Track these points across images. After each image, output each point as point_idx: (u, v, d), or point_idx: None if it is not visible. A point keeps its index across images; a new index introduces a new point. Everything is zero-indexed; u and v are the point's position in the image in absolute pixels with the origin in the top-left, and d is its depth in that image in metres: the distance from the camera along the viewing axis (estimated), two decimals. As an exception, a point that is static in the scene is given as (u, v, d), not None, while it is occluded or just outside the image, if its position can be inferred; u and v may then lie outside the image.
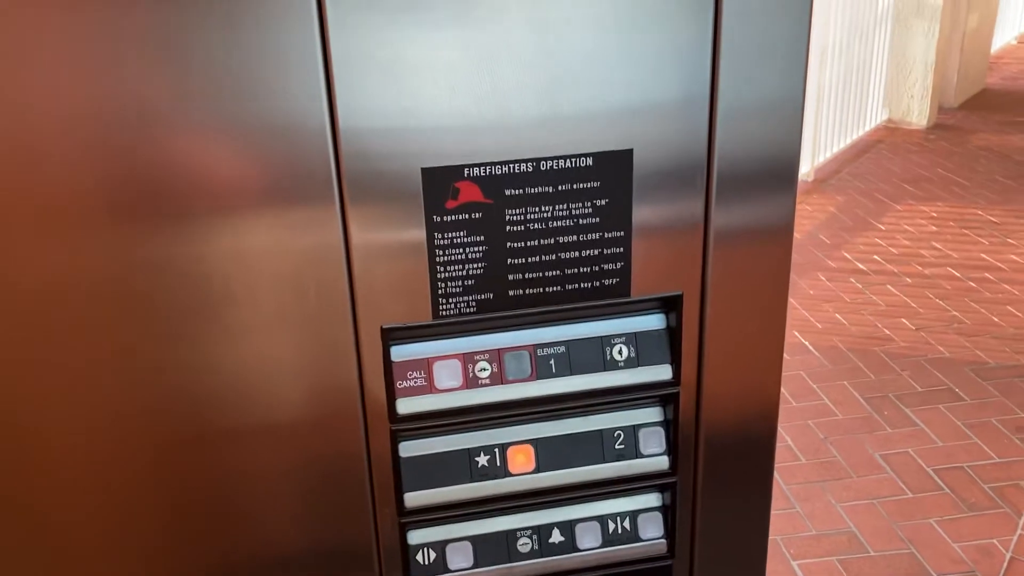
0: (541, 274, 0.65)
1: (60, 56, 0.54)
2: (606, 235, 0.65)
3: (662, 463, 0.72)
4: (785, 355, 2.69)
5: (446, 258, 0.63)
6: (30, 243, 0.58)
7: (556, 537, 0.73)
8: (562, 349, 0.69)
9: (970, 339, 2.86)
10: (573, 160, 0.62)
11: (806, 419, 2.46)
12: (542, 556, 0.72)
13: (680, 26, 0.60)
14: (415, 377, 0.67)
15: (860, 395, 2.57)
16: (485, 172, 0.61)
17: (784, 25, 0.62)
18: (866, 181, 4.28)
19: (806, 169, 4.26)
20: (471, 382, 0.68)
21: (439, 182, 0.61)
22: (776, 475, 2.22)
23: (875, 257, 3.47)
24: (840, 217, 3.86)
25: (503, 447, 0.70)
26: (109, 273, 0.60)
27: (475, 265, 0.64)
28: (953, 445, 2.34)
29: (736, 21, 0.61)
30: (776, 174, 0.66)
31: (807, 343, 2.85)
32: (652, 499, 0.75)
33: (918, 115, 5.07)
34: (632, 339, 0.70)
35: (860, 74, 4.77)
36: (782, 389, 2.58)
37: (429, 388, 0.67)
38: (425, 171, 0.60)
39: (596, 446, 0.71)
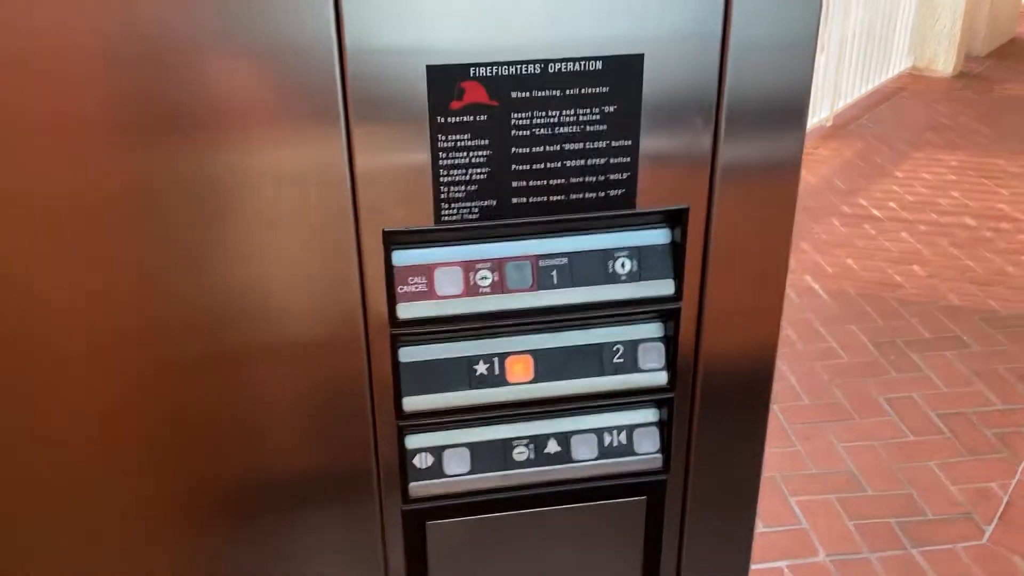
0: (545, 182, 0.65)
1: None
2: (613, 143, 0.64)
3: (660, 378, 0.73)
4: (794, 298, 2.69)
5: (449, 161, 0.63)
6: (41, 154, 0.58)
7: (552, 447, 0.73)
8: (564, 260, 0.68)
9: (982, 288, 2.85)
10: (582, 63, 0.61)
11: (812, 361, 2.46)
12: (538, 465, 0.73)
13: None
14: (416, 283, 0.67)
15: (867, 339, 2.57)
16: (491, 72, 0.60)
17: None
18: (886, 128, 4.22)
19: (825, 114, 4.20)
20: (472, 290, 0.68)
21: (444, 81, 0.60)
22: (779, 414, 2.23)
23: (890, 204, 3.43)
24: (857, 163, 3.82)
25: (502, 356, 0.70)
26: (116, 185, 0.59)
27: (478, 170, 0.63)
28: (958, 391, 2.34)
29: None
30: (788, 97, 0.65)
31: (817, 287, 2.84)
32: (649, 414, 0.75)
33: (944, 63, 4.97)
34: (635, 253, 0.69)
35: (886, 19, 4.67)
36: (789, 331, 2.58)
37: (430, 294, 0.67)
38: (430, 68, 0.59)
39: (595, 359, 0.71)
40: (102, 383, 0.65)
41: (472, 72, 0.60)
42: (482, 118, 0.62)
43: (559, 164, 0.64)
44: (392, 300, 0.67)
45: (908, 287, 2.85)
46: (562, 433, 0.73)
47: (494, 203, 0.65)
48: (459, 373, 0.70)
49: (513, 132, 0.62)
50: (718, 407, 0.75)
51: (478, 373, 0.70)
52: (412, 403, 0.69)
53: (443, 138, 0.62)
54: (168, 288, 0.63)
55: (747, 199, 0.68)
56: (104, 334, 0.64)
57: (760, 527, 1.88)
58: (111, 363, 0.65)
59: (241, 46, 0.57)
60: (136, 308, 0.63)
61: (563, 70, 0.61)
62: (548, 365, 0.71)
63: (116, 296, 0.63)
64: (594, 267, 0.69)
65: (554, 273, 0.68)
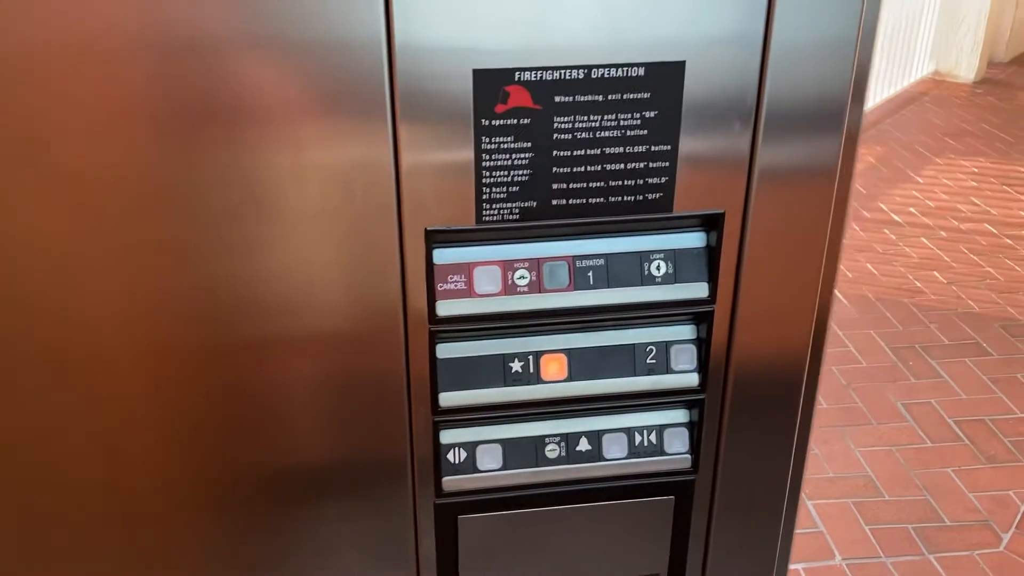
0: (585, 185, 0.66)
1: None
2: (652, 148, 0.65)
3: (692, 380, 0.74)
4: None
5: (492, 163, 0.64)
6: (92, 139, 0.59)
7: (583, 445, 0.74)
8: (601, 262, 0.70)
9: (1002, 295, 2.84)
10: (624, 69, 0.62)
11: (830, 365, 2.46)
12: (569, 463, 0.74)
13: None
14: (455, 280, 0.68)
15: (886, 345, 2.57)
16: (536, 77, 0.61)
17: None
18: (907, 133, 4.21)
19: (847, 117, 4.18)
20: (509, 289, 0.69)
21: (490, 85, 0.61)
22: (796, 418, 2.23)
23: (911, 209, 3.43)
24: (878, 168, 3.81)
25: (537, 354, 0.72)
26: (163, 176, 0.61)
27: (520, 172, 0.65)
28: (977, 398, 2.34)
29: None
30: (825, 109, 0.66)
31: (836, 291, 2.84)
32: (679, 415, 0.76)
33: (966, 68, 4.95)
34: (671, 255, 0.70)
35: (908, 23, 4.65)
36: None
37: (468, 292, 0.68)
38: (477, 72, 0.60)
39: (628, 359, 0.73)
40: (144, 367, 0.67)
41: (517, 77, 0.61)
42: (525, 121, 0.63)
43: (599, 167, 0.65)
44: (432, 297, 0.68)
45: (928, 293, 2.84)
46: (593, 432, 0.75)
47: (534, 204, 0.66)
48: (495, 370, 0.71)
49: (555, 136, 0.64)
50: (748, 409, 0.76)
51: (513, 371, 0.71)
52: (448, 399, 0.71)
53: (487, 140, 0.63)
54: (211, 277, 0.65)
55: (783, 203, 0.69)
56: (147, 320, 0.65)
57: (776, 530, 1.88)
58: (153, 348, 0.66)
59: (290, 40, 0.58)
60: (181, 295, 0.65)
61: (605, 76, 0.62)
62: (582, 364, 0.72)
63: (162, 283, 0.64)
64: (630, 269, 0.70)
65: (590, 274, 0.70)
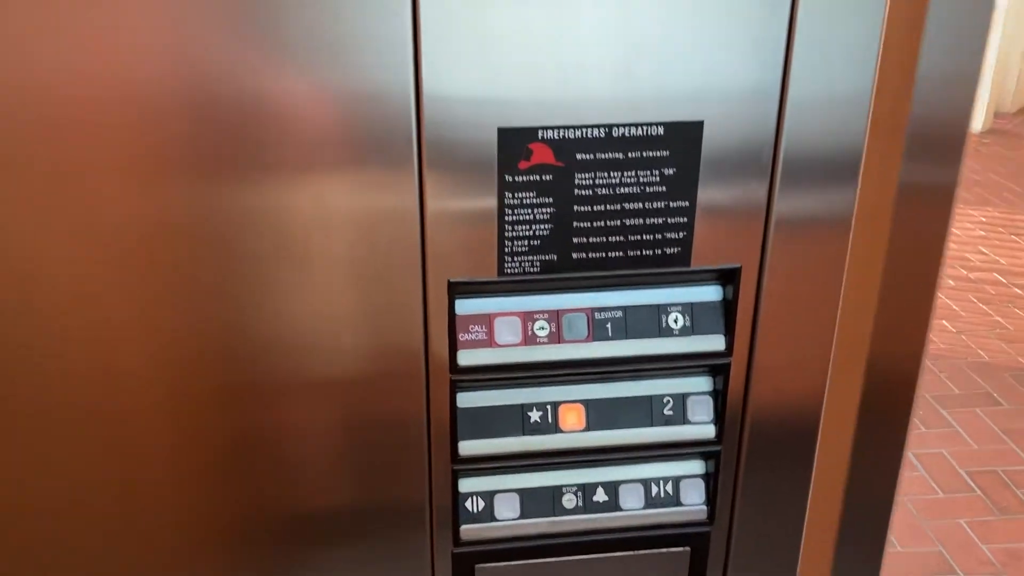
0: (605, 239, 0.67)
1: (159, 9, 0.57)
2: (671, 204, 0.67)
3: (708, 431, 0.74)
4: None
5: (515, 217, 0.66)
6: (119, 182, 0.61)
7: (600, 496, 0.75)
8: (619, 314, 0.71)
9: (1012, 345, 2.84)
10: (644, 128, 0.64)
11: (840, 414, 2.46)
12: (586, 513, 0.75)
13: (755, 18, 0.62)
14: (476, 331, 0.70)
15: (896, 394, 2.56)
16: (558, 135, 0.63)
17: (858, 26, 0.63)
18: (915, 181, 4.22)
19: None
20: (529, 339, 0.70)
21: (513, 142, 0.63)
22: (807, 467, 2.22)
23: (920, 258, 3.43)
24: (887, 216, 3.82)
25: (555, 404, 0.73)
26: (189, 215, 0.63)
27: (542, 226, 0.66)
28: (988, 449, 2.33)
29: (811, 18, 0.62)
30: (840, 164, 0.68)
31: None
32: (696, 466, 0.77)
33: (973, 119, 4.99)
34: (688, 308, 0.71)
35: (917, 73, 4.69)
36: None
37: (489, 342, 0.70)
38: (501, 131, 0.62)
39: (645, 410, 0.73)
40: (165, 410, 0.68)
41: (540, 135, 0.63)
42: (547, 177, 0.65)
43: (618, 223, 0.67)
44: (453, 347, 0.69)
45: (937, 342, 2.84)
46: (610, 482, 0.75)
47: (555, 258, 0.68)
48: (514, 420, 0.72)
49: (576, 191, 0.65)
50: (764, 461, 0.77)
51: (532, 420, 0.72)
52: (468, 447, 0.72)
53: (510, 195, 0.65)
54: (234, 320, 0.66)
55: (798, 256, 0.71)
56: (171, 364, 0.67)
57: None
58: (175, 391, 0.68)
59: (320, 88, 0.60)
60: (204, 338, 0.66)
61: (626, 135, 0.64)
62: (600, 415, 0.73)
63: (185, 326, 0.66)
64: (648, 321, 0.71)
65: (608, 325, 0.71)
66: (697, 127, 0.64)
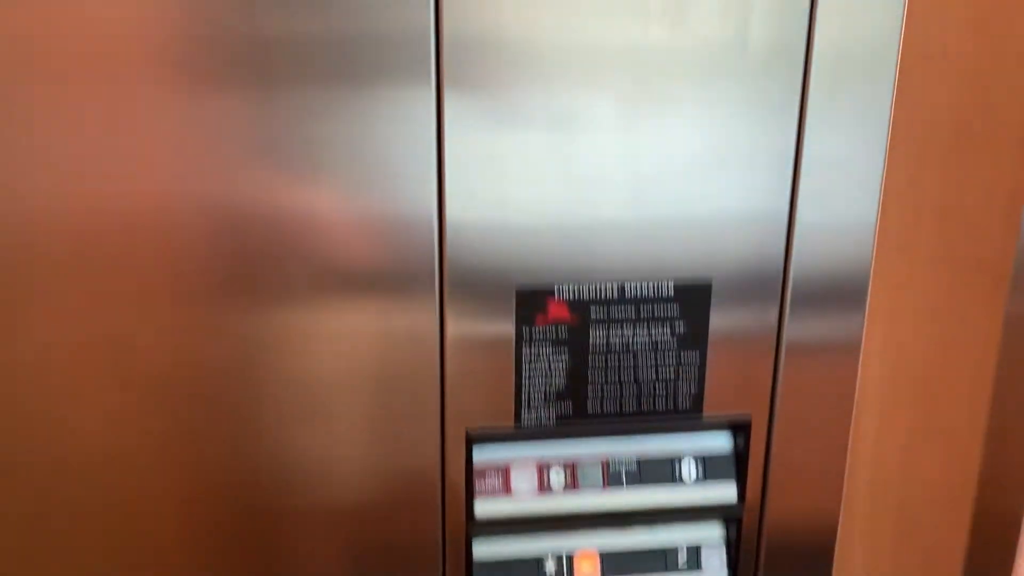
0: (619, 391, 0.70)
1: (185, 137, 0.61)
2: (682, 357, 0.69)
3: (723, 581, 0.75)
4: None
5: (531, 370, 0.68)
6: (135, 312, 0.64)
7: (616, 647, 0.75)
8: (633, 464, 0.72)
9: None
10: (655, 285, 0.67)
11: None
12: (602, 664, 0.74)
13: (761, 168, 0.66)
14: (493, 479, 0.71)
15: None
16: (573, 295, 0.66)
17: (861, 154, 0.67)
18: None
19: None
20: (545, 488, 0.72)
21: (531, 300, 0.66)
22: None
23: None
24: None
25: (570, 554, 0.73)
26: (207, 344, 0.65)
27: (558, 378, 0.69)
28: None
29: (816, 159, 0.66)
30: (848, 296, 0.71)
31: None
32: (712, 615, 0.77)
33: None
34: (701, 458, 0.73)
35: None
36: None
37: (505, 491, 0.71)
38: (519, 291, 0.66)
39: (660, 561, 0.74)
40: (192, 528, 0.69)
41: (556, 293, 0.66)
42: (563, 333, 0.67)
43: (632, 376, 0.69)
44: (470, 495, 0.71)
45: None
46: (627, 632, 0.75)
47: (570, 408, 0.70)
48: (529, 570, 0.73)
49: (591, 346, 0.68)
50: (779, 610, 0.77)
51: (547, 572, 0.73)
52: (484, 599, 0.72)
53: (527, 350, 0.67)
54: (253, 445, 0.68)
55: (809, 398, 0.73)
56: (197, 482, 0.68)
57: None
58: (205, 509, 0.69)
59: (345, 216, 0.63)
60: (225, 459, 0.68)
61: (638, 294, 0.67)
62: (614, 564, 0.73)
63: (203, 454, 0.67)
64: (661, 470, 0.73)
65: (623, 475, 0.72)
66: (706, 288, 0.67)
